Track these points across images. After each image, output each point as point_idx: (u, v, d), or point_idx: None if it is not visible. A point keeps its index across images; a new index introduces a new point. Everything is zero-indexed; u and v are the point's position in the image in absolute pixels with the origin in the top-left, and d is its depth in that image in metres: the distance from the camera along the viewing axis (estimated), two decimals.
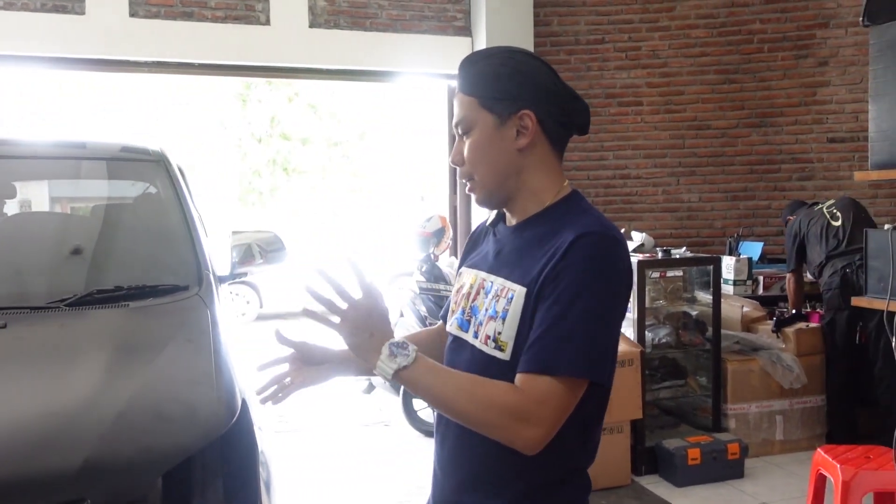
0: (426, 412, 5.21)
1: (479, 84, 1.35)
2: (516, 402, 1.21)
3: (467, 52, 6.24)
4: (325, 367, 1.60)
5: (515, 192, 1.38)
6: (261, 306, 11.32)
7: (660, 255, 4.49)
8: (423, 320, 5.14)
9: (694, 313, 4.65)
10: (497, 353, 1.30)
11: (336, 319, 1.31)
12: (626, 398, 4.07)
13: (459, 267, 1.55)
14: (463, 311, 1.42)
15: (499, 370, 1.28)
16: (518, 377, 1.24)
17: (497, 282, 1.35)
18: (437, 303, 5.11)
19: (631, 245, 4.60)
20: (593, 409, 1.34)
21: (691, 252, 4.98)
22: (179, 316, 2.32)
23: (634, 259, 4.32)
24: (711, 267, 4.57)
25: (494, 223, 1.49)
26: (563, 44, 6.26)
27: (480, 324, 1.35)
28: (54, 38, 5.41)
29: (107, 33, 5.50)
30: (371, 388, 6.03)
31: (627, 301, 1.34)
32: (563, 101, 1.39)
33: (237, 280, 3.01)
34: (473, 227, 1.72)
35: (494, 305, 1.33)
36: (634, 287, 4.23)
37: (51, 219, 3.13)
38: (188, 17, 5.67)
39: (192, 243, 2.68)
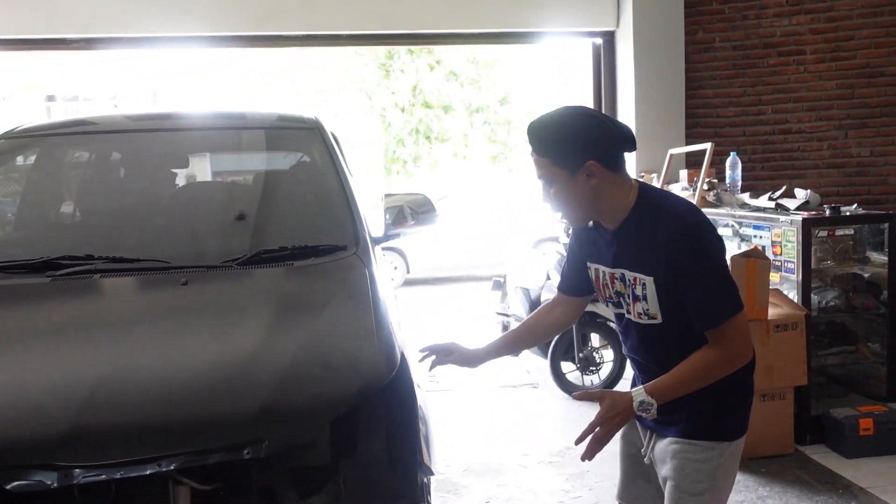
0: (574, 375, 5.19)
1: (548, 150, 1.80)
2: (719, 354, 1.77)
3: (613, 8, 6.03)
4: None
5: (599, 213, 1.86)
6: (408, 272, 11.62)
7: (827, 212, 4.19)
8: None
9: (866, 275, 4.32)
10: (652, 321, 1.85)
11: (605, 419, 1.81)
12: (788, 364, 3.86)
13: (580, 259, 2.04)
14: (610, 297, 1.95)
15: (657, 329, 1.86)
16: (708, 336, 1.78)
17: (627, 273, 1.85)
18: None
19: (793, 203, 4.32)
20: None
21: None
22: (339, 274, 2.42)
23: (798, 217, 4.06)
24: (887, 225, 4.21)
25: (595, 225, 1.93)
26: None
27: (629, 304, 1.88)
28: (211, 17, 5.73)
29: (261, 9, 5.75)
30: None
31: (724, 249, 1.86)
32: (612, 140, 1.81)
33: (390, 241, 3.09)
34: None
35: (633, 291, 1.85)
36: (799, 247, 4.00)
37: (218, 187, 3.34)
38: None
39: (349, 206, 2.77)
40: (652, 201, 1.83)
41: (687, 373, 1.78)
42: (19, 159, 3.16)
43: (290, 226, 2.77)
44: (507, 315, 6.09)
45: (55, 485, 1.53)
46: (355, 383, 1.90)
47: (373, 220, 3.02)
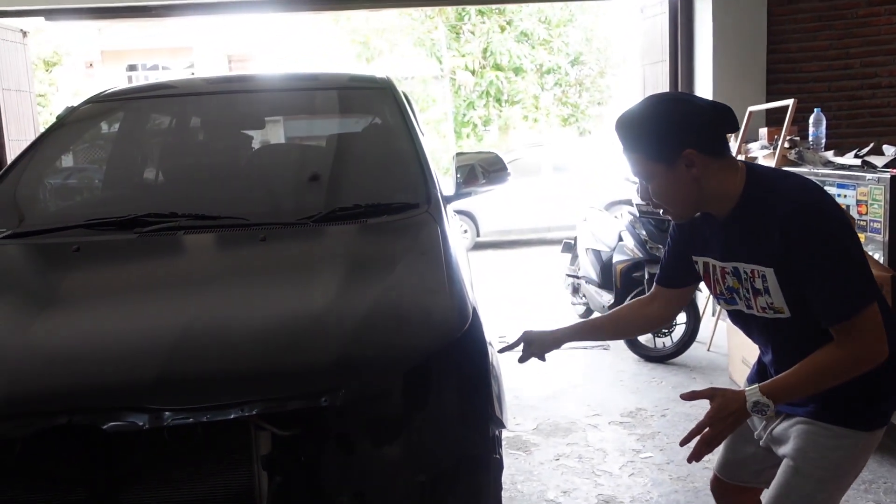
0: (646, 337, 5.14)
1: (640, 145, 1.68)
2: (847, 353, 1.62)
3: None
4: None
5: (705, 203, 1.72)
6: (477, 234, 11.64)
7: None
8: (643, 244, 5.01)
9: None
10: (779, 316, 1.71)
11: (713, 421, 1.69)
12: None
13: (684, 253, 1.92)
14: (721, 293, 1.84)
15: (785, 324, 1.72)
16: (833, 332, 1.63)
17: (743, 266, 1.73)
18: (658, 226, 4.95)
19: (881, 160, 4.12)
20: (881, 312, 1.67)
21: None
22: (412, 231, 2.45)
23: (886, 175, 3.88)
24: None
25: (703, 215, 1.79)
26: None
27: (749, 299, 1.75)
28: None
29: None
30: (589, 312, 6.03)
31: (852, 230, 1.67)
32: (708, 124, 1.66)
33: (461, 200, 3.10)
34: None
35: (753, 284, 1.72)
36: (887, 206, 3.82)
37: (293, 147, 3.41)
38: None
39: (421, 165, 2.79)
40: (764, 184, 1.68)
41: (810, 373, 1.64)
42: (105, 123, 3.29)
43: (364, 184, 2.81)
44: (577, 277, 6.05)
45: (146, 426, 1.62)
46: (429, 336, 1.93)
47: (445, 182, 3.04)
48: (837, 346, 1.62)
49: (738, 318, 1.86)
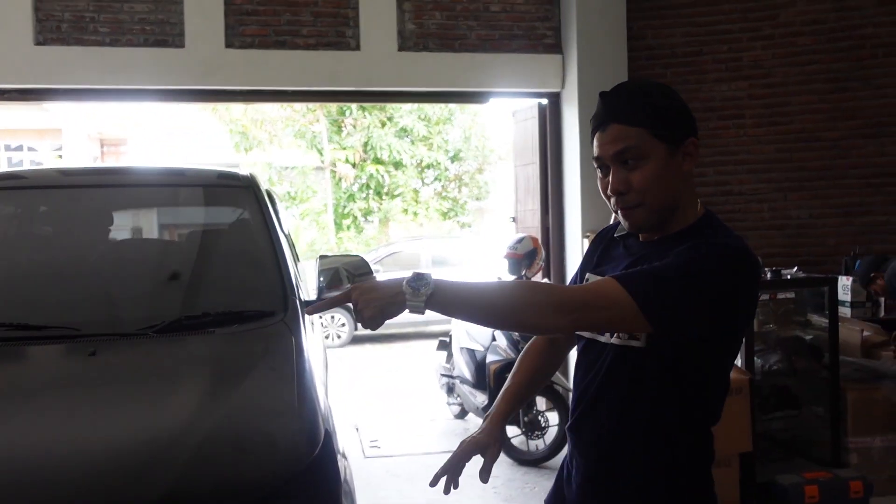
0: (519, 439, 5.05)
1: (647, 115, 1.42)
2: (558, 291, 1.43)
3: (558, 69, 6.10)
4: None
5: (670, 215, 1.47)
6: (355, 328, 11.42)
7: (769, 275, 4.20)
8: (515, 344, 4.99)
9: (808, 338, 4.32)
10: (632, 342, 1.42)
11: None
12: (733, 428, 3.79)
13: (584, 270, 1.64)
14: None
15: (634, 358, 1.43)
16: (593, 286, 1.40)
17: None
18: None
19: None
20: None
21: (803, 272, 4.64)
22: (264, 343, 2.28)
23: None
24: (827, 288, 4.24)
25: (625, 236, 1.56)
26: (658, 57, 6.03)
27: None
28: (155, 71, 5.62)
29: (204, 64, 5.66)
30: (463, 413, 5.91)
31: (742, 312, 1.41)
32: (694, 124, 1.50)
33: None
34: (566, 249, 1.77)
35: None
36: None
37: (142, 247, 3.17)
38: (281, 45, 5.77)
39: (279, 269, 2.65)
40: (717, 223, 1.48)
41: (497, 287, 1.38)
42: None
43: (216, 289, 2.63)
44: (451, 377, 5.95)
45: None
46: (272, 466, 1.75)
47: (311, 279, 2.90)
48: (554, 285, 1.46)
49: (585, 354, 1.56)
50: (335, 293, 1.29)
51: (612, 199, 1.45)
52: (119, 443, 1.75)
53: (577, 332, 1.55)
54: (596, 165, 1.49)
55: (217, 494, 1.66)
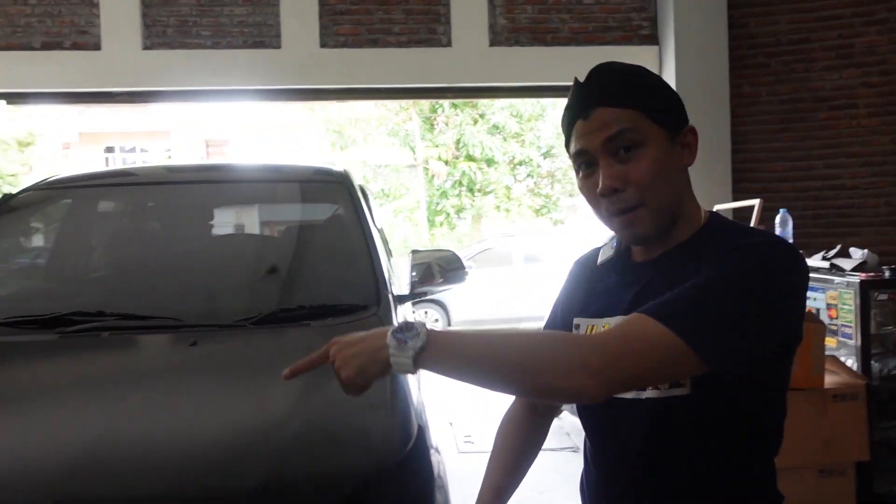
0: None
1: (646, 96, 1.15)
2: (595, 341, 1.06)
3: (655, 61, 5.92)
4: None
5: (677, 220, 1.18)
6: (449, 324, 11.47)
7: (887, 274, 3.93)
8: None
9: None
10: (675, 391, 1.11)
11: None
12: (849, 437, 3.57)
13: (567, 314, 1.31)
14: None
15: (683, 411, 1.11)
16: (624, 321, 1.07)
17: None
18: None
19: (849, 263, 4.07)
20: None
21: None
22: None
23: (855, 279, 3.81)
24: None
25: (614, 262, 1.26)
26: (761, 46, 5.76)
27: None
28: (254, 71, 5.78)
29: (300, 64, 5.79)
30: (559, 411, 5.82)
31: (793, 310, 1.12)
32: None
33: (421, 299, 2.97)
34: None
35: None
36: (857, 311, 3.74)
37: (241, 242, 3.25)
38: (374, 43, 5.84)
39: (372, 263, 2.65)
40: (731, 224, 1.21)
41: (512, 331, 1.18)
42: (44, 212, 3.13)
43: (313, 282, 2.65)
44: None
45: None
46: (365, 458, 1.75)
47: (404, 275, 2.90)
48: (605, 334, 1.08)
49: (599, 415, 1.22)
50: (315, 352, 1.06)
51: (604, 203, 1.15)
52: (217, 431, 1.78)
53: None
54: (575, 165, 1.19)
55: (311, 486, 1.67)
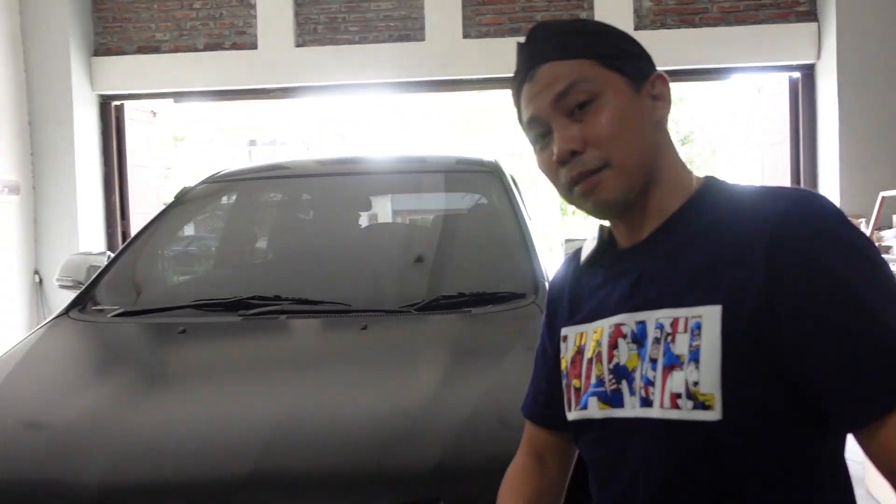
0: None
1: (595, 42, 0.98)
2: None
3: (813, 39, 5.60)
4: None
5: (653, 185, 0.97)
6: None
7: None
8: None
9: None
10: (701, 415, 0.84)
11: None
12: None
13: (554, 329, 1.12)
14: (600, 381, 0.96)
15: (708, 438, 0.85)
16: (861, 438, 0.81)
17: (660, 315, 0.90)
18: None
19: None
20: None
21: None
22: (518, 323, 2.33)
23: None
24: None
25: (595, 256, 1.06)
26: None
27: (650, 383, 0.89)
28: (398, 64, 5.94)
29: (442, 55, 5.89)
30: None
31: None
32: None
33: None
34: None
35: (669, 349, 0.88)
36: None
37: (398, 231, 3.37)
38: (516, 32, 5.85)
39: (528, 252, 2.68)
40: (727, 189, 0.97)
41: None
42: (217, 203, 3.36)
43: (468, 271, 2.72)
44: None
45: None
46: None
47: (551, 264, 2.92)
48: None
49: (603, 443, 0.98)
50: None
51: (563, 172, 0.97)
52: (393, 410, 1.86)
53: (579, 416, 1.00)
54: (531, 139, 1.03)
55: (484, 467, 1.72)
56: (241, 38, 6.10)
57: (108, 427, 1.81)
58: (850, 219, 0.85)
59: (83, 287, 2.99)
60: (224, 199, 3.34)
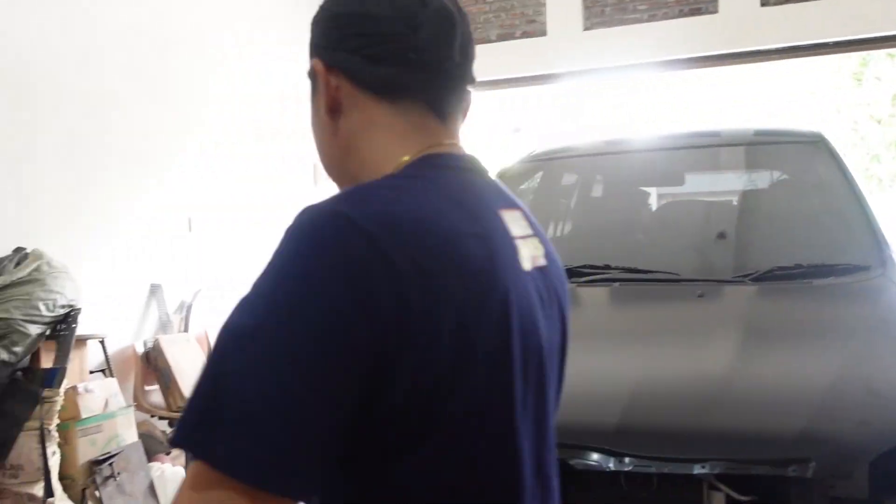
0: None
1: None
2: None
3: None
4: None
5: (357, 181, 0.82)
6: None
7: None
8: None
9: None
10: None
11: None
12: None
13: None
14: None
15: None
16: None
17: None
18: None
19: None
20: None
21: None
22: (867, 296, 2.24)
23: None
24: None
25: None
26: None
27: None
28: (688, 39, 5.81)
29: (737, 27, 5.65)
30: None
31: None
32: (374, 28, 0.82)
33: None
34: None
35: None
36: None
37: (724, 205, 3.32)
38: None
39: (870, 223, 2.56)
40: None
41: None
42: (555, 178, 3.51)
43: (805, 242, 2.65)
44: None
45: (610, 468, 1.69)
46: None
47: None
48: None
49: None
50: None
51: None
52: (759, 376, 1.89)
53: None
54: None
55: (853, 435, 1.70)
56: (531, 26, 6.33)
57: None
58: (302, 236, 0.70)
59: None
60: (558, 178, 3.48)
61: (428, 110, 0.83)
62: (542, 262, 0.85)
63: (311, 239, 0.68)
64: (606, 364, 2.05)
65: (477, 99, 1.02)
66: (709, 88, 17.40)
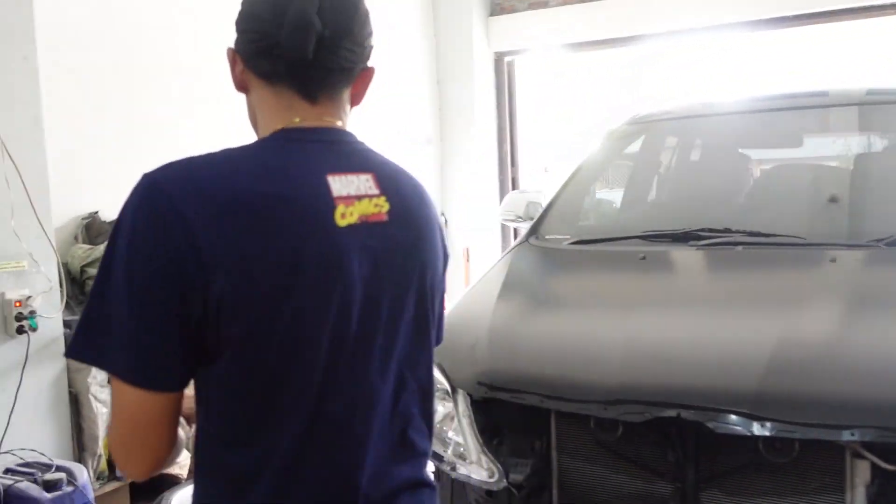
0: None
1: None
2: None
3: None
4: None
5: None
6: None
7: None
8: None
9: None
10: None
11: None
12: None
13: None
14: None
15: None
16: None
17: None
18: None
19: None
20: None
21: None
22: None
23: None
24: None
25: None
26: None
27: None
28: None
29: None
30: None
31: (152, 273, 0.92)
32: (258, 26, 1.02)
33: None
34: None
35: None
36: None
37: (846, 168, 3.16)
38: None
39: None
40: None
41: None
42: (649, 142, 3.44)
43: None
44: None
45: (748, 432, 1.66)
46: None
47: None
48: None
49: None
50: None
51: None
52: (872, 346, 1.85)
53: None
54: None
55: None
56: None
57: (612, 337, 2.04)
58: (127, 207, 0.94)
59: (523, 220, 3.36)
60: (653, 141, 3.41)
61: (295, 93, 1.03)
62: (382, 217, 1.02)
63: (133, 200, 0.93)
64: (744, 329, 2.01)
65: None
66: (769, 52, 16.62)
